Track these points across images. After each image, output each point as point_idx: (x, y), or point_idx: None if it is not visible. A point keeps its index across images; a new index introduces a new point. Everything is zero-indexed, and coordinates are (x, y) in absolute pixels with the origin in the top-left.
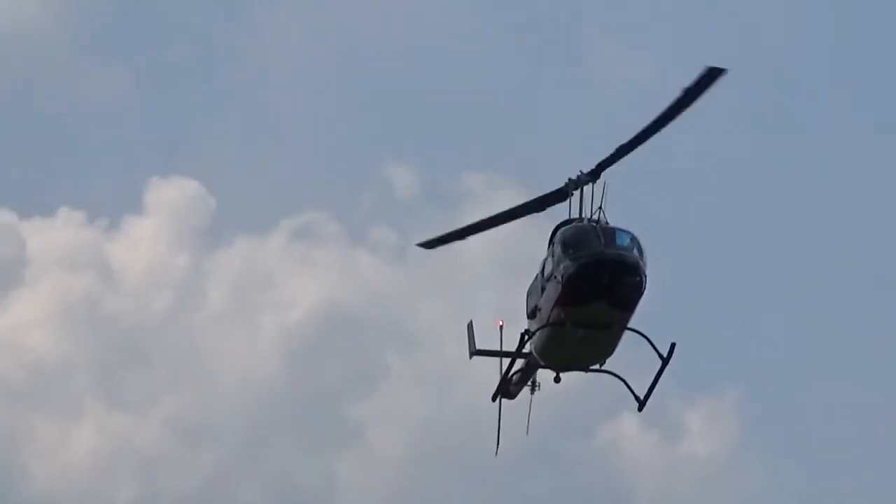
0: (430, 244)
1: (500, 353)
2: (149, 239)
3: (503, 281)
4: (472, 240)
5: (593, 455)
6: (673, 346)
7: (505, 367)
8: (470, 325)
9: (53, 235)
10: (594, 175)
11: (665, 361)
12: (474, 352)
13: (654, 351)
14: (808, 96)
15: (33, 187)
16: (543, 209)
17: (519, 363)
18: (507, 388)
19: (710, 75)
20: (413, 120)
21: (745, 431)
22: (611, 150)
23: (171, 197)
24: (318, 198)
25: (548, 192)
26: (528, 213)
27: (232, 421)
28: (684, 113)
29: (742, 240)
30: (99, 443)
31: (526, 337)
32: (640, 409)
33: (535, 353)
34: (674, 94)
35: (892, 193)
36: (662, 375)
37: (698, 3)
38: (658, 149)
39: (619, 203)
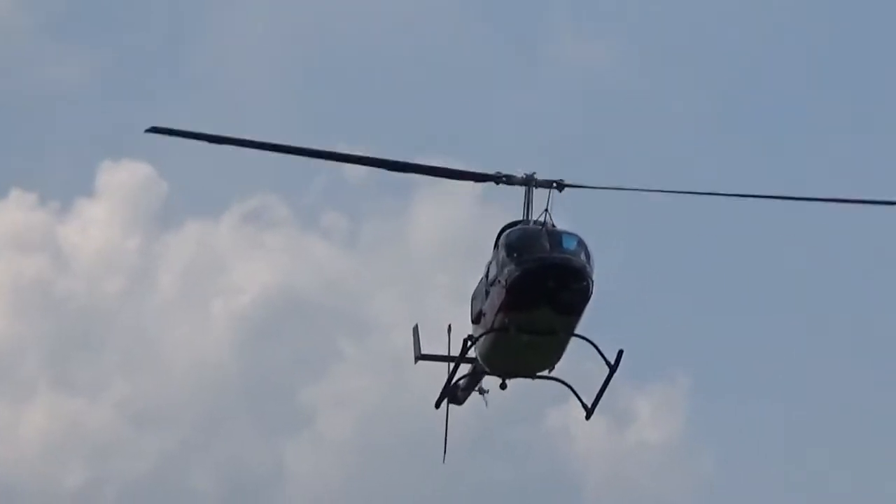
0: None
1: (445, 358)
2: (100, 222)
3: (453, 266)
4: (425, 222)
5: (543, 441)
6: (620, 353)
7: (452, 375)
8: (415, 330)
9: (5, 217)
10: (558, 188)
11: (612, 369)
12: (419, 356)
13: (601, 358)
14: (766, 86)
15: None
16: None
17: (464, 368)
18: (454, 394)
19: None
20: (365, 106)
21: (695, 418)
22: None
23: (123, 180)
24: (270, 181)
25: (479, 172)
26: (453, 178)
27: (183, 405)
28: None
29: (693, 226)
30: (49, 425)
31: (469, 343)
32: (587, 418)
33: (479, 360)
34: (629, 82)
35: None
36: (610, 383)
37: None
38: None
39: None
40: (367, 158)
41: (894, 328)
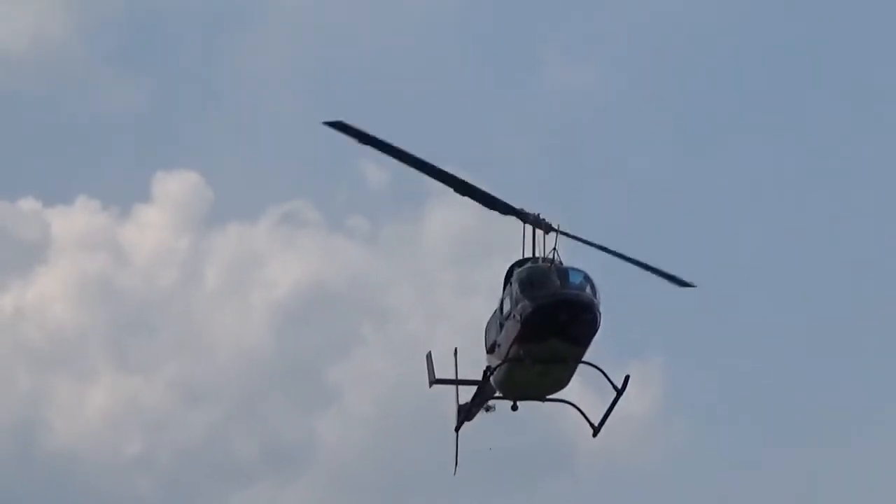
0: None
1: (458, 382)
2: (155, 224)
3: (461, 263)
4: (437, 226)
5: (539, 415)
6: (627, 378)
7: (459, 394)
8: (429, 356)
9: (73, 220)
10: (554, 230)
11: (619, 392)
12: (434, 381)
13: (608, 382)
14: (737, 96)
15: (56, 179)
16: (493, 209)
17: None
18: (466, 412)
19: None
20: (384, 121)
21: (670, 392)
22: (583, 229)
23: (175, 188)
24: (302, 188)
25: (508, 204)
26: (480, 201)
27: (226, 384)
28: None
29: (666, 212)
30: (110, 402)
31: (489, 374)
32: (594, 435)
33: (494, 386)
34: (615, 100)
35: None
36: (617, 405)
37: (641, 13)
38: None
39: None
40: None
41: (856, 290)
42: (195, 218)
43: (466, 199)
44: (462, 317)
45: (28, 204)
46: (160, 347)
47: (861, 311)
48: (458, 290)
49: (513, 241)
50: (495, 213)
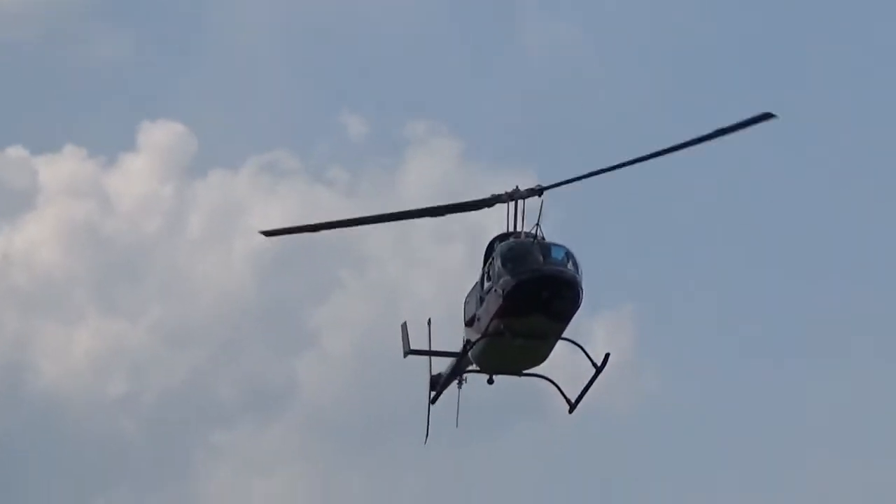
0: (272, 233)
1: (433, 353)
2: (140, 172)
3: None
4: (411, 176)
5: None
6: (607, 356)
7: (432, 363)
8: (404, 326)
9: (60, 168)
10: (537, 193)
11: (598, 370)
12: (409, 351)
13: (587, 359)
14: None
15: (44, 128)
16: (458, 212)
17: (447, 361)
18: (437, 382)
19: (755, 120)
20: (365, 75)
21: (640, 339)
22: (563, 177)
23: (159, 137)
24: (283, 139)
25: (470, 201)
26: (439, 215)
27: (208, 327)
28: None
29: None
30: (95, 344)
31: (468, 347)
32: (570, 412)
33: (472, 359)
34: (595, 61)
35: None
36: (595, 382)
37: None
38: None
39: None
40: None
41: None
42: (179, 166)
43: (443, 150)
44: (437, 263)
45: (17, 152)
46: (145, 292)
47: (833, 239)
48: (433, 238)
49: (486, 190)
50: (472, 165)
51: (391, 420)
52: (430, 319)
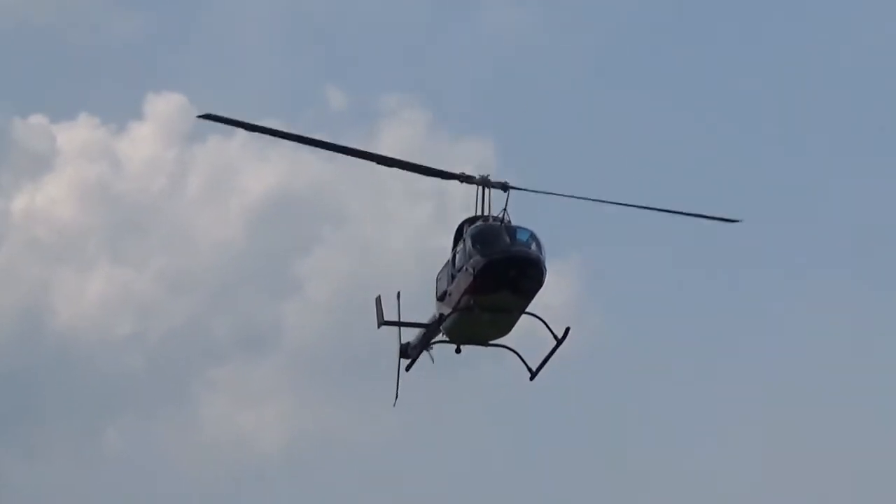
0: (209, 117)
1: (405, 324)
2: (146, 138)
3: (409, 175)
4: (389, 142)
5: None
6: (567, 329)
7: (400, 333)
8: (378, 300)
9: (76, 134)
10: (503, 188)
11: (559, 342)
12: (382, 322)
13: (549, 332)
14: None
15: (61, 98)
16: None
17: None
18: (405, 350)
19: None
20: (345, 53)
21: (587, 287)
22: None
23: (163, 107)
24: (273, 109)
25: (444, 171)
26: (428, 174)
27: (206, 276)
28: None
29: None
30: (106, 290)
31: (441, 319)
32: (531, 379)
33: (443, 331)
34: (554, 43)
35: None
36: (555, 354)
37: None
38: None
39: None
40: (363, 152)
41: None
42: (180, 133)
43: (416, 119)
44: (409, 220)
45: (37, 119)
46: (149, 244)
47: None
48: (406, 198)
49: (453, 156)
50: (442, 132)
51: (367, 359)
52: (398, 293)
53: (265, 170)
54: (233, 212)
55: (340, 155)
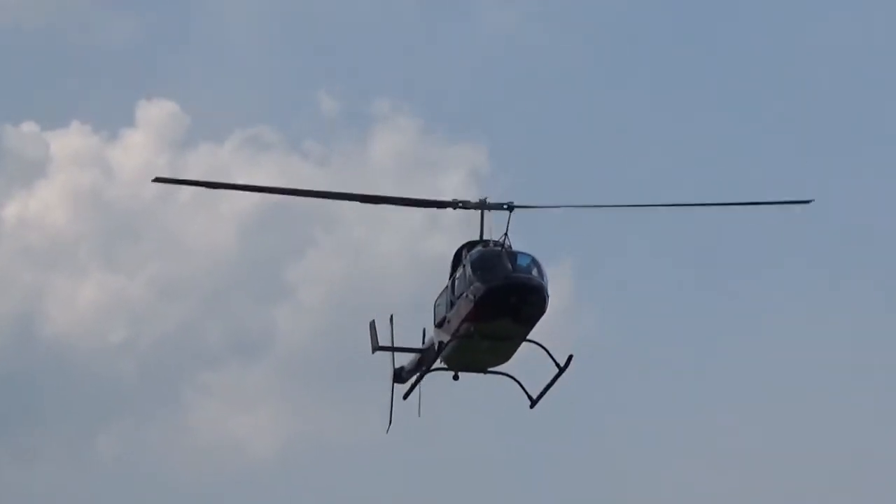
0: (164, 180)
1: (399, 349)
2: (138, 145)
3: (403, 180)
4: (381, 148)
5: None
6: (570, 357)
7: (395, 358)
8: (372, 324)
9: (68, 141)
10: (509, 209)
11: (561, 370)
12: (377, 348)
13: (551, 360)
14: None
15: (54, 105)
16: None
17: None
18: (399, 374)
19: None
20: (337, 58)
21: (579, 289)
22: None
23: (155, 114)
24: (264, 115)
25: (440, 200)
26: (419, 206)
27: (198, 281)
28: None
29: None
30: (98, 296)
31: (440, 348)
32: (531, 407)
33: (441, 359)
34: (548, 46)
35: None
36: (556, 382)
37: None
38: None
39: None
40: (349, 195)
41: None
42: (172, 140)
43: (407, 125)
44: (400, 225)
45: (29, 127)
46: (142, 250)
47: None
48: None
49: (444, 160)
50: (435, 137)
51: (358, 363)
52: (392, 316)
53: (257, 175)
54: (225, 218)
55: (332, 159)
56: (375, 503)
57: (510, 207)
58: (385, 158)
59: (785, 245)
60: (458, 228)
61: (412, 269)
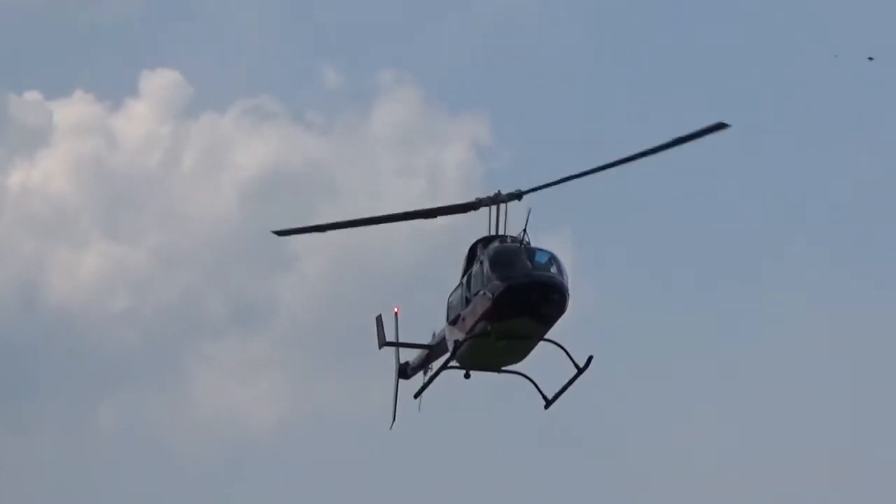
0: (284, 233)
1: (406, 345)
2: (141, 114)
3: (402, 151)
4: (382, 120)
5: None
6: (590, 358)
7: (400, 354)
8: (378, 319)
9: (71, 111)
10: (517, 197)
11: (580, 371)
12: (384, 343)
13: (569, 360)
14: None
15: (58, 75)
16: (435, 217)
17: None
18: (405, 370)
19: (709, 130)
20: (340, 31)
21: (580, 258)
22: (542, 181)
23: (158, 83)
24: (267, 86)
25: (455, 204)
26: (421, 218)
27: (200, 251)
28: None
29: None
30: (101, 265)
31: (457, 347)
32: (546, 407)
33: (455, 357)
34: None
35: None
36: (575, 382)
37: None
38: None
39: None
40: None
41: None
42: (175, 109)
43: (409, 98)
44: (401, 195)
45: (33, 96)
46: (144, 219)
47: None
48: (398, 173)
49: (444, 133)
50: (433, 109)
51: (358, 334)
52: (396, 312)
53: (259, 146)
54: (227, 188)
55: (334, 130)
56: (376, 476)
57: (519, 195)
58: (385, 128)
59: (785, 245)
60: (459, 198)
61: (415, 240)
